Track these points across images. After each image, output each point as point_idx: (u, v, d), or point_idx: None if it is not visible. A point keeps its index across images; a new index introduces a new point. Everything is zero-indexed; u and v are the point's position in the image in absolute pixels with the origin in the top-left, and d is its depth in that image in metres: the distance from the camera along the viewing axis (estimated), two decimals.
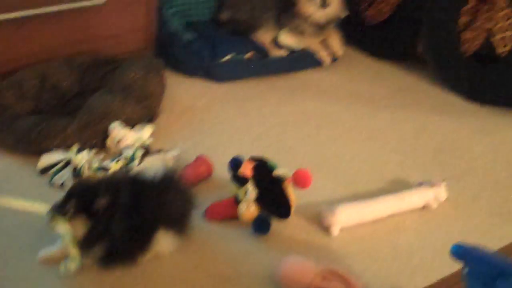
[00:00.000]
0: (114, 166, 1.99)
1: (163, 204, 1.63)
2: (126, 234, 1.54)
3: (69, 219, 1.52)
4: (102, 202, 1.51)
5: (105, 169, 1.98)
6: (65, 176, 1.95)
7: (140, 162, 2.00)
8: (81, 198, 1.53)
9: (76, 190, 1.56)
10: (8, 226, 1.76)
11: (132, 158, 2.01)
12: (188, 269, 1.67)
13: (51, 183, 1.95)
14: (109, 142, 2.11)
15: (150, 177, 1.66)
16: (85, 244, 1.54)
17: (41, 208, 1.58)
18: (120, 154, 2.05)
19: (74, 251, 1.55)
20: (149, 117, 2.29)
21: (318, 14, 2.78)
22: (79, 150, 2.01)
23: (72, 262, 1.56)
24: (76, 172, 1.95)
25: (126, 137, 2.08)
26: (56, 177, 1.95)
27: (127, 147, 2.06)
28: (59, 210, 1.52)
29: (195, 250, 1.74)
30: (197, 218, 1.84)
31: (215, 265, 1.70)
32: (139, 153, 2.02)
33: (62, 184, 1.93)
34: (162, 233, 1.64)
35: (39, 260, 1.62)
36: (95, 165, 1.98)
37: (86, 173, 1.95)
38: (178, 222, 1.70)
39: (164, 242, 1.65)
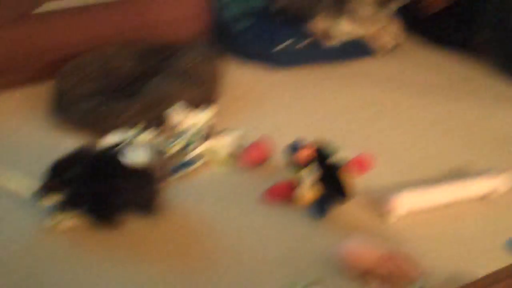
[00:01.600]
0: (172, 149, 2.01)
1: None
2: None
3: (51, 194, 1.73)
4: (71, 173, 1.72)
5: (162, 152, 1.99)
6: None
7: (201, 144, 2.00)
8: (56, 174, 1.73)
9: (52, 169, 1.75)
10: None
11: (190, 141, 2.03)
12: (244, 251, 1.69)
13: None
14: (168, 124, 2.13)
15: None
16: (66, 207, 1.73)
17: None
18: (179, 136, 2.06)
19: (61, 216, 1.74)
20: (208, 101, 2.30)
21: None
22: (142, 131, 2.02)
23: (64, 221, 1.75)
24: None
25: (186, 120, 2.09)
26: None
27: (187, 129, 2.07)
28: (42, 191, 1.73)
29: (252, 233, 1.75)
30: (255, 200, 1.85)
31: (272, 247, 1.70)
32: (199, 136, 2.03)
33: None
34: None
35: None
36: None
37: None
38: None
39: None
